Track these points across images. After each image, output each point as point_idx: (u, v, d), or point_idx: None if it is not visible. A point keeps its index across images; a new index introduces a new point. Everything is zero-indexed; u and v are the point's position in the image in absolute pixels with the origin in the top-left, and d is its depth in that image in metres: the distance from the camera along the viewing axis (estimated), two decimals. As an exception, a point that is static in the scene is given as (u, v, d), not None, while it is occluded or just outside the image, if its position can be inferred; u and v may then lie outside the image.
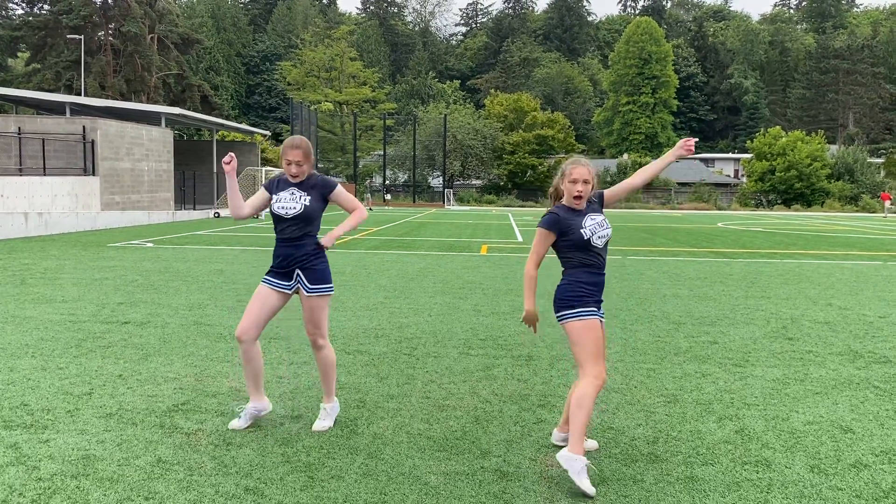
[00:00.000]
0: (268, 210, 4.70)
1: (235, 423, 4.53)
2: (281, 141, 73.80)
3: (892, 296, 10.62)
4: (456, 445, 4.29)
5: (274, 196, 4.57)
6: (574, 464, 3.71)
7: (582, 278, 4.00)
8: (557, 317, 4.03)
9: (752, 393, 5.48)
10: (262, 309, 4.53)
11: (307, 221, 4.51)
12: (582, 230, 3.97)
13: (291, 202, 4.50)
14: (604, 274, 4.09)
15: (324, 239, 4.58)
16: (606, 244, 4.09)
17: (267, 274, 4.61)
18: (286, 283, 4.54)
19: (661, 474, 3.92)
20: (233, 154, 4.66)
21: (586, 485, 3.66)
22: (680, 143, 4.19)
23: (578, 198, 4.00)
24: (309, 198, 4.52)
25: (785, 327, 8.08)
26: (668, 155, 4.25)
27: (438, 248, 17.51)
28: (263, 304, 4.53)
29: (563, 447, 4.11)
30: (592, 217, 4.04)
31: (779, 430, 4.65)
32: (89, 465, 3.92)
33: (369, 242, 19.00)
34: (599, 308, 4.06)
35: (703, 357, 6.60)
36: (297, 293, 4.57)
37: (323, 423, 4.60)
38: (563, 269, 4.10)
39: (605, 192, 4.22)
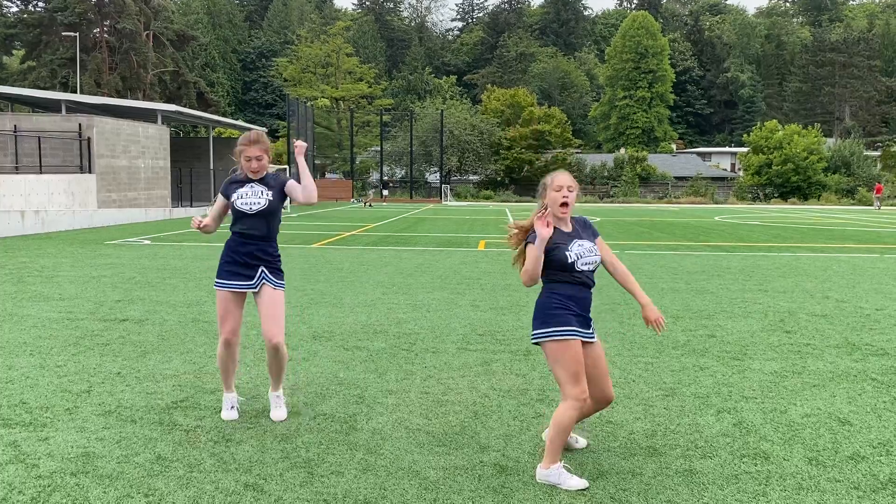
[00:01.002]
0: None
1: (232, 415, 4.61)
2: (278, 137, 73.66)
3: (889, 288, 10.65)
4: (455, 440, 4.30)
5: (234, 194, 4.51)
6: (551, 477, 3.72)
7: (561, 291, 3.80)
8: (533, 336, 3.82)
9: (749, 386, 5.50)
10: (237, 309, 4.56)
11: (271, 217, 4.51)
12: (567, 252, 3.77)
13: (254, 197, 4.47)
14: (589, 292, 3.86)
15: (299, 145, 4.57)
16: (594, 271, 3.87)
17: (223, 278, 4.53)
18: (248, 283, 4.52)
19: (659, 467, 3.94)
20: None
21: (574, 483, 3.67)
22: (652, 318, 3.91)
23: (565, 205, 3.81)
24: (271, 192, 4.50)
25: (782, 320, 8.09)
26: (640, 298, 3.98)
27: (436, 244, 17.52)
28: (236, 305, 4.56)
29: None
30: (581, 243, 3.83)
31: (777, 423, 4.67)
32: (89, 462, 3.92)
33: (367, 239, 19.00)
34: (586, 326, 3.82)
35: (701, 350, 6.62)
36: (257, 291, 4.54)
37: (282, 411, 4.66)
38: (542, 283, 3.89)
39: (601, 240, 3.98)
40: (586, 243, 3.84)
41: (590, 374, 3.86)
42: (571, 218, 3.91)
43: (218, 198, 4.65)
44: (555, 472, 3.72)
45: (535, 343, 3.81)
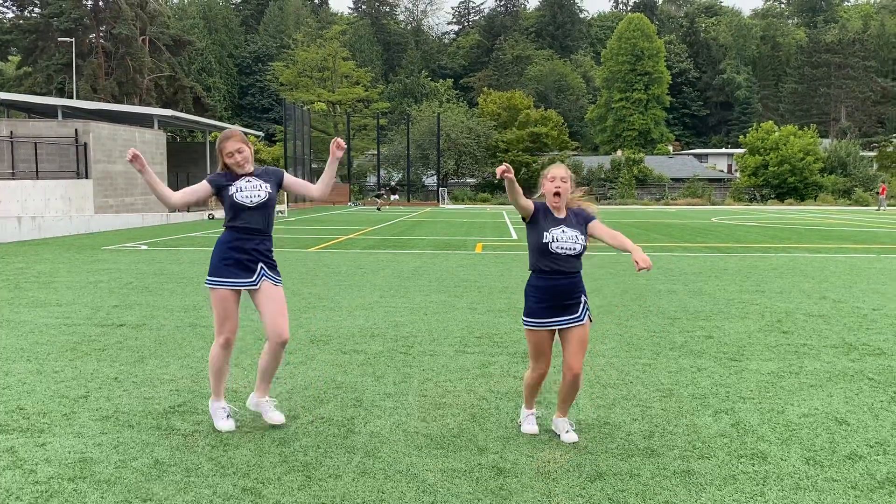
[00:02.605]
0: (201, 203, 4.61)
1: (229, 425, 4.49)
2: (275, 142, 73.64)
3: (886, 288, 10.66)
4: (453, 443, 4.30)
5: (231, 186, 4.43)
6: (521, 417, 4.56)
7: (535, 283, 4.22)
8: None
9: (747, 386, 5.50)
10: (237, 308, 4.52)
11: (270, 210, 4.51)
12: (546, 233, 4.13)
13: (254, 190, 4.42)
14: (566, 278, 4.14)
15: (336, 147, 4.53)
16: (574, 258, 4.14)
17: (220, 275, 4.41)
18: (249, 280, 4.45)
19: (657, 468, 3.94)
20: (134, 150, 4.47)
21: (525, 427, 4.47)
22: (639, 262, 4.04)
23: (557, 195, 4.18)
24: (268, 185, 4.50)
25: (779, 321, 8.10)
26: (630, 247, 4.14)
27: (433, 247, 17.52)
28: (236, 304, 4.50)
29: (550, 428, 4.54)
30: (565, 229, 4.16)
31: (774, 423, 4.67)
32: (86, 467, 3.92)
33: (364, 242, 18.99)
34: (565, 313, 4.16)
35: (699, 351, 6.62)
36: (254, 289, 4.47)
37: (279, 414, 4.60)
38: (529, 270, 4.33)
39: (595, 221, 4.26)
40: (570, 231, 4.17)
41: (565, 350, 4.29)
42: (569, 209, 4.26)
43: (202, 183, 4.52)
44: (523, 414, 4.53)
45: None
